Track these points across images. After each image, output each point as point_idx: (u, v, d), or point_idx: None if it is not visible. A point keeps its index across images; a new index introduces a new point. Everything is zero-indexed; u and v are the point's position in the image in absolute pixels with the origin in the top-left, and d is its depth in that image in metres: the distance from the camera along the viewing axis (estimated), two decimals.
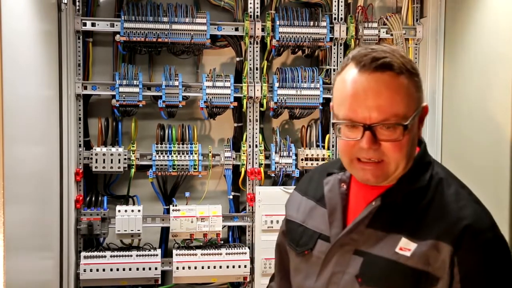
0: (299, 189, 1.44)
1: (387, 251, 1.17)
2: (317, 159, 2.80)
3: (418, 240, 1.15)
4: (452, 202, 1.18)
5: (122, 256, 2.67)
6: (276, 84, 2.77)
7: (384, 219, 1.19)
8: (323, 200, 1.31)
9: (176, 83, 2.73)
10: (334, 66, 2.85)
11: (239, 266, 2.70)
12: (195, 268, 2.68)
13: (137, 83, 2.70)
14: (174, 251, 2.71)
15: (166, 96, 2.72)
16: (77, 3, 2.68)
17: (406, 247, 1.15)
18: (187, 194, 2.79)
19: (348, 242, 1.21)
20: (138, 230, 2.69)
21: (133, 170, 2.75)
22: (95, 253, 2.66)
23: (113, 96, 2.70)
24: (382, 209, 1.20)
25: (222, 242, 2.83)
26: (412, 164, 1.20)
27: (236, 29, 2.80)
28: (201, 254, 2.69)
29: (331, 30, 2.81)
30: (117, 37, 2.68)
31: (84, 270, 2.62)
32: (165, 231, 2.86)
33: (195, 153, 2.75)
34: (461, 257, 1.12)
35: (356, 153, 1.16)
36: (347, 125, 1.16)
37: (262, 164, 2.82)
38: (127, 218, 2.68)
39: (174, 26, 2.69)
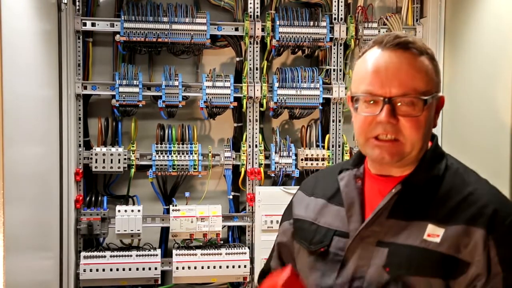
0: (304, 190, 1.42)
1: (414, 239, 1.16)
2: (317, 159, 2.80)
3: (445, 225, 1.14)
4: (475, 189, 1.18)
5: (122, 256, 2.66)
6: (276, 84, 2.77)
7: (405, 208, 1.19)
8: (335, 198, 1.31)
9: (176, 83, 2.73)
10: (334, 66, 2.85)
11: (239, 266, 2.70)
12: (195, 268, 2.67)
13: (137, 83, 2.70)
14: (174, 251, 2.71)
15: (166, 96, 2.72)
16: (77, 3, 2.68)
17: (434, 233, 1.15)
18: (187, 194, 2.78)
19: (369, 234, 1.20)
20: (138, 230, 2.68)
21: (133, 170, 2.75)
22: (95, 253, 2.65)
23: (113, 96, 2.70)
24: (402, 198, 1.19)
25: (222, 242, 2.83)
26: (426, 154, 1.22)
27: (236, 29, 2.80)
28: (201, 254, 2.69)
29: (331, 30, 2.81)
30: (117, 37, 2.68)
31: (84, 270, 2.62)
32: (165, 231, 2.86)
33: (195, 153, 2.75)
34: (497, 239, 1.11)
35: (373, 130, 1.17)
36: (366, 101, 1.17)
37: (262, 164, 2.82)
38: (127, 218, 2.67)
39: (174, 26, 2.69)
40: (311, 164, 2.79)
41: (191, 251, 2.70)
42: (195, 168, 2.75)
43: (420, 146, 1.19)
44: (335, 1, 2.86)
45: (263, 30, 2.78)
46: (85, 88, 2.72)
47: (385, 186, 1.22)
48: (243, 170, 2.83)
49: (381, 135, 1.16)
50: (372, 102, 1.17)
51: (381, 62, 1.16)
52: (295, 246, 1.37)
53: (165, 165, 2.73)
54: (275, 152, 2.81)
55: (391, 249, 1.17)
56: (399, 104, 1.15)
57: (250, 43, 2.79)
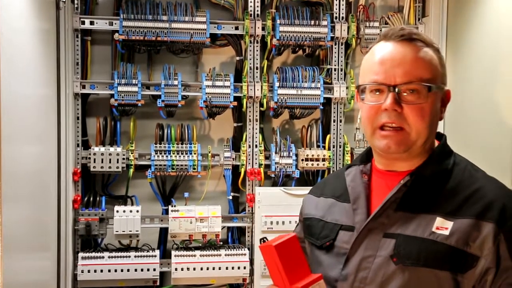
0: (313, 192, 1.45)
1: (422, 231, 1.16)
2: (317, 160, 2.78)
3: (454, 218, 1.15)
4: (483, 184, 1.19)
5: (120, 257, 2.65)
6: (277, 84, 2.75)
7: (413, 200, 1.20)
8: (343, 196, 1.33)
9: (176, 82, 2.71)
10: (335, 65, 2.83)
11: (239, 268, 2.68)
12: (194, 269, 2.65)
13: (136, 82, 2.68)
14: (173, 252, 2.69)
15: (165, 96, 2.70)
16: (76, 1, 2.67)
17: (442, 226, 1.15)
18: (186, 194, 2.77)
19: (377, 226, 1.21)
20: (136, 231, 2.66)
21: (131, 170, 2.73)
22: (93, 254, 2.64)
23: (112, 95, 2.68)
24: (411, 191, 1.20)
25: (221, 243, 2.81)
26: (435, 150, 1.24)
27: (236, 28, 2.78)
28: (200, 255, 2.67)
29: (332, 29, 2.79)
30: (116, 36, 2.66)
31: (82, 271, 2.60)
32: (163, 231, 2.84)
33: (194, 153, 2.73)
34: (507, 234, 1.11)
35: (379, 119, 1.19)
36: (371, 90, 1.21)
37: (262, 164, 2.80)
38: (126, 218, 2.65)
39: (174, 25, 2.67)
40: (312, 164, 2.78)
41: (190, 252, 2.68)
42: (194, 168, 2.73)
43: (426, 135, 1.20)
44: (336, 0, 2.84)
45: (263, 29, 2.76)
46: (84, 87, 2.70)
47: (393, 180, 1.23)
48: (243, 170, 2.81)
49: (386, 124, 1.19)
50: (377, 92, 1.20)
51: (386, 53, 1.20)
52: (306, 245, 1.39)
53: (164, 165, 2.71)
54: (275, 152, 2.79)
55: (398, 240, 1.18)
56: (404, 94, 1.17)
57: (250, 42, 2.77)
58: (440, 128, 2.83)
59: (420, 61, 1.19)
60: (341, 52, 2.84)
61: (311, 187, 1.50)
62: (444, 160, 1.24)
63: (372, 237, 1.21)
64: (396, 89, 1.17)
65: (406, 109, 1.17)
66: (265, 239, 1.36)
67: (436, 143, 1.28)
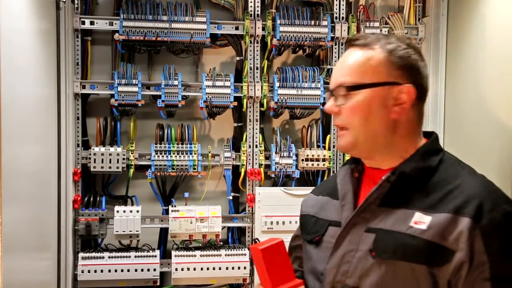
0: (314, 191, 1.50)
1: (401, 225, 1.19)
2: (317, 160, 2.78)
3: (432, 213, 1.17)
4: (466, 180, 1.20)
5: (121, 257, 2.64)
6: (277, 84, 2.75)
7: (396, 196, 1.23)
8: (335, 193, 1.36)
9: (176, 82, 2.71)
10: (335, 65, 2.83)
11: (239, 268, 2.67)
12: (194, 269, 2.65)
13: (136, 82, 2.68)
14: (173, 252, 2.69)
15: (165, 96, 2.70)
16: (76, 1, 2.66)
17: (420, 220, 1.17)
18: (186, 194, 2.76)
19: (360, 221, 1.24)
20: (136, 231, 2.66)
21: (131, 170, 2.73)
22: (93, 254, 2.63)
23: (112, 96, 2.68)
24: (394, 187, 1.23)
25: (221, 243, 2.81)
26: (419, 149, 1.26)
27: (236, 28, 2.78)
28: (200, 255, 2.67)
29: (332, 29, 2.79)
30: (116, 36, 2.66)
31: (82, 271, 2.60)
32: (164, 232, 2.84)
33: (195, 153, 2.73)
34: (483, 229, 1.12)
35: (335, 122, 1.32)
36: (329, 97, 1.32)
37: (262, 164, 2.80)
38: (126, 218, 2.65)
39: (174, 25, 2.67)
40: (312, 164, 2.78)
41: (190, 252, 2.68)
42: (194, 169, 2.73)
43: (366, 133, 1.24)
44: (336, 0, 2.84)
45: (263, 29, 2.76)
46: (84, 87, 2.70)
47: (379, 177, 1.26)
48: (243, 170, 2.81)
49: (334, 125, 1.31)
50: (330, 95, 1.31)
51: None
52: (302, 241, 1.44)
53: (164, 165, 2.71)
54: (276, 153, 2.79)
55: (378, 235, 1.21)
56: (338, 98, 1.27)
57: (251, 42, 2.77)
58: (440, 128, 2.83)
59: (345, 66, 1.27)
60: (341, 52, 2.83)
61: (311, 187, 1.56)
62: (429, 157, 1.25)
63: (355, 232, 1.24)
64: (333, 93, 1.28)
65: (341, 110, 1.26)
66: (257, 239, 1.40)
67: (423, 140, 1.31)
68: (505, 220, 1.13)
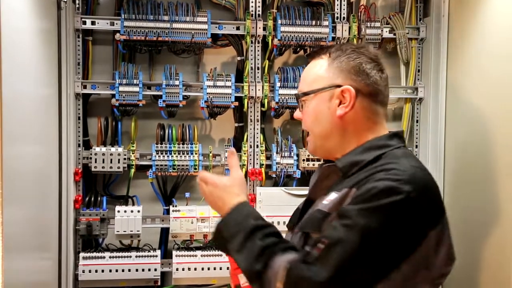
0: None
1: (319, 204, 1.33)
2: (318, 160, 2.77)
3: (339, 191, 1.29)
4: (383, 164, 1.26)
5: (121, 257, 2.64)
6: (278, 84, 2.75)
7: (333, 183, 1.36)
8: None
9: (177, 82, 2.71)
10: None
11: None
12: (195, 269, 2.65)
13: (137, 82, 2.68)
14: (174, 252, 2.69)
15: (166, 96, 2.70)
16: (77, 1, 2.66)
17: (330, 198, 1.30)
18: (187, 194, 2.76)
19: (308, 207, 1.42)
20: (137, 231, 2.66)
21: (132, 170, 2.73)
22: (94, 254, 2.63)
23: (113, 96, 2.68)
24: (330, 177, 1.39)
25: None
26: (359, 146, 1.35)
27: (237, 28, 2.78)
28: (201, 255, 2.67)
29: (333, 29, 2.79)
30: (117, 36, 2.66)
31: (83, 271, 2.60)
32: (164, 232, 2.84)
33: (196, 153, 2.73)
34: (358, 188, 1.23)
35: None
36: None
37: (263, 164, 2.80)
38: (127, 218, 2.65)
39: (175, 25, 2.67)
40: (313, 164, 2.77)
41: (191, 252, 2.68)
42: (195, 168, 2.73)
43: (319, 133, 1.38)
44: (337, 0, 2.84)
45: (264, 29, 2.76)
46: (85, 87, 2.70)
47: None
48: (244, 170, 2.80)
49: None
50: None
51: None
52: None
53: (165, 165, 2.71)
54: (277, 153, 2.79)
55: (306, 215, 1.38)
56: (301, 104, 1.43)
57: (252, 42, 2.77)
58: (440, 128, 2.83)
59: (302, 76, 1.45)
60: None
61: None
62: (369, 152, 1.33)
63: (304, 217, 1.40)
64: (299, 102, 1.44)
65: (303, 117, 1.43)
66: None
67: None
68: (382, 189, 1.17)
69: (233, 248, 1.27)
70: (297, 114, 1.45)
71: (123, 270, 2.62)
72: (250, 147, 2.80)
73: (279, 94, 2.74)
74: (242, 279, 1.37)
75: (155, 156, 2.70)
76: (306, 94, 1.39)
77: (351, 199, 1.21)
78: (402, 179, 1.18)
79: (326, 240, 1.16)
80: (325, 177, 1.42)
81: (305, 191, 2.60)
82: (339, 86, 1.34)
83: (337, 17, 2.84)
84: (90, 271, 2.60)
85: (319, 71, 1.38)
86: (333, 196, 1.29)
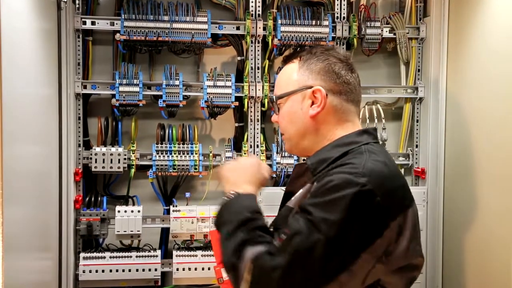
0: None
1: (288, 202, 1.39)
2: None
3: (303, 187, 1.35)
4: (344, 162, 1.28)
5: (122, 257, 2.65)
6: None
7: (303, 182, 1.40)
8: None
9: (177, 82, 2.71)
10: None
11: None
12: (195, 269, 2.65)
13: (137, 82, 2.68)
14: (174, 252, 2.69)
15: (166, 96, 2.70)
16: (77, 2, 2.67)
17: (296, 194, 1.36)
18: (187, 194, 2.76)
19: (284, 203, 1.45)
20: (138, 231, 2.66)
21: (133, 170, 2.73)
22: (94, 254, 2.64)
23: (113, 96, 2.68)
24: (302, 174, 1.44)
25: None
26: (335, 141, 1.38)
27: (238, 28, 2.78)
28: (202, 255, 2.67)
29: (333, 29, 2.79)
30: (117, 36, 2.66)
31: (83, 271, 2.60)
32: (165, 232, 2.84)
33: (196, 153, 2.73)
34: (316, 185, 1.26)
35: None
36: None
37: None
38: (127, 218, 2.66)
39: (175, 25, 2.67)
40: None
41: (192, 252, 2.68)
42: (195, 169, 2.73)
43: (292, 132, 1.42)
44: (337, 0, 2.84)
45: (264, 29, 2.76)
46: (85, 87, 2.70)
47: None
48: None
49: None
50: None
51: None
52: None
53: (166, 165, 2.71)
54: (277, 152, 2.79)
55: (278, 212, 1.44)
56: (276, 108, 1.47)
57: (252, 42, 2.77)
58: (442, 127, 2.83)
59: (276, 81, 1.48)
60: None
61: None
62: (336, 149, 1.35)
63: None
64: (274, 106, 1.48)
65: (279, 120, 1.46)
66: None
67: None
68: (337, 182, 1.20)
69: (223, 234, 1.33)
70: (274, 118, 1.49)
71: (123, 270, 2.63)
72: (250, 147, 2.80)
73: None
74: (224, 273, 1.42)
75: (155, 156, 2.71)
76: (280, 97, 1.43)
77: (309, 193, 1.26)
78: (357, 172, 1.21)
79: (287, 231, 1.20)
80: (300, 175, 1.46)
81: None
82: (310, 87, 1.38)
83: (337, 17, 2.84)
84: (90, 271, 2.60)
85: (291, 74, 1.42)
86: (299, 192, 1.35)
